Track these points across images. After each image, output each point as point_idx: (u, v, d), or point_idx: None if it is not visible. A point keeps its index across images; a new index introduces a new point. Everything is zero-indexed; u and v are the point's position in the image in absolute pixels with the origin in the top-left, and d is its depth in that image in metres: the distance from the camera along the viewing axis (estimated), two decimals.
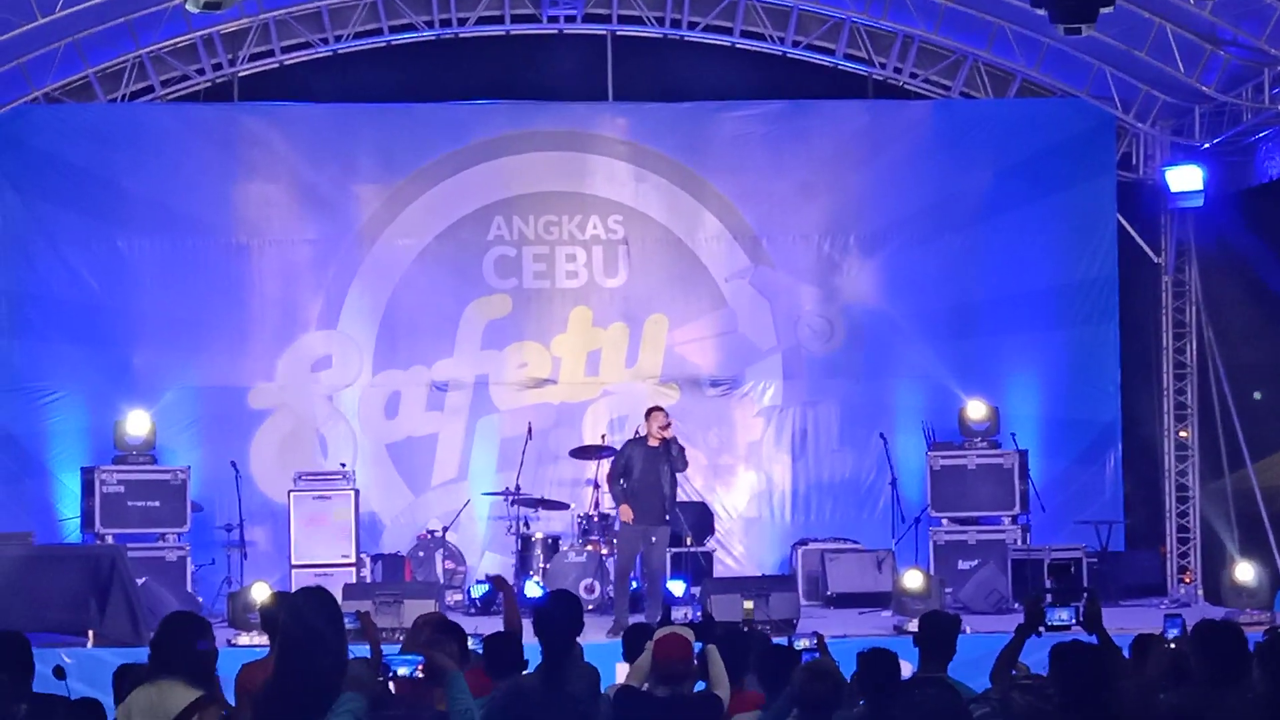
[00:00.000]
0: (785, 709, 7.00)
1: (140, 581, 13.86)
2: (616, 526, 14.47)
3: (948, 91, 17.43)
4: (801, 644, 7.86)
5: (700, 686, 7.52)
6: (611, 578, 14.50)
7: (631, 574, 14.30)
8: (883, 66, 17.35)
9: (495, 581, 8.59)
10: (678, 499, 14.51)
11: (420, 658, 6.07)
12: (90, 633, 12.95)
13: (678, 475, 14.14)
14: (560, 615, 7.11)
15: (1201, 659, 6.64)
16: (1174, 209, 17.19)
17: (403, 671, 6.00)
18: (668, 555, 15.07)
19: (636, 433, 14.59)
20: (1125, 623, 11.63)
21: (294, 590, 8.87)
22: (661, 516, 13.94)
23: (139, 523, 15.57)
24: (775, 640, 8.55)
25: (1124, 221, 17.30)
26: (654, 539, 13.91)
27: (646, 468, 13.89)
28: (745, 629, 9.54)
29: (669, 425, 14.01)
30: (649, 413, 14.16)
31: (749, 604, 10.29)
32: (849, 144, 17.23)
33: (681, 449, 14.09)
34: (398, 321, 16.99)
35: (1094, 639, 6.98)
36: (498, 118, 17.14)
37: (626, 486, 13.94)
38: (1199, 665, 6.66)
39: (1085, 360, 17.09)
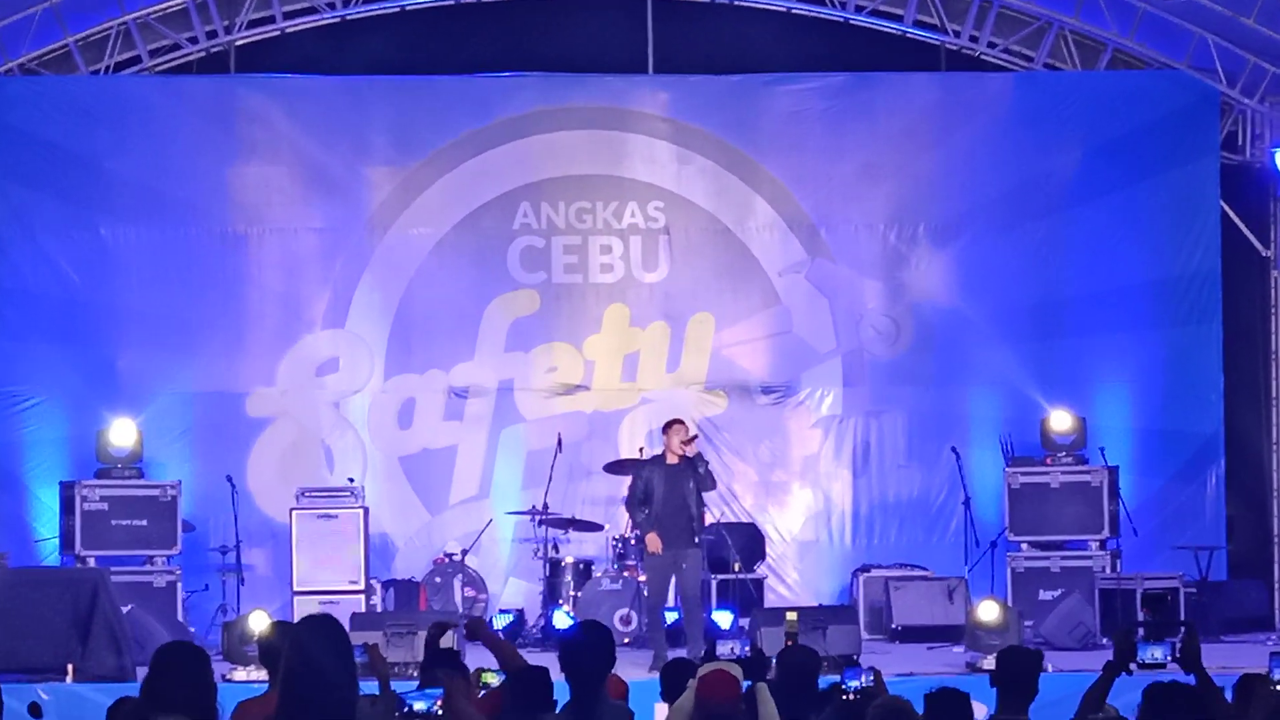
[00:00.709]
0: None
1: (125, 609, 13.92)
2: None
3: (1030, 63, 17.40)
4: (853, 684, 7.86)
5: None
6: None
7: (666, 605, 14.28)
8: (957, 35, 17.34)
9: (469, 629, 8.49)
10: (724, 520, 14.47)
11: (439, 691, 6.11)
12: (70, 666, 12.99)
13: (713, 494, 14.11)
14: (589, 648, 7.11)
15: None
16: None
17: (419, 706, 6.03)
18: (712, 581, 15.05)
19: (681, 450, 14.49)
20: (1227, 661, 11.62)
21: (297, 619, 8.90)
22: (691, 539, 13.92)
23: (124, 544, 15.66)
24: (825, 679, 8.55)
25: (1228, 209, 17.24)
26: (684, 565, 13.87)
27: (669, 489, 13.87)
28: (788, 643, 9.51)
29: (692, 440, 13.99)
30: (667, 426, 14.15)
31: (792, 614, 10.19)
32: (918, 122, 17.22)
33: (708, 465, 14.08)
34: (412, 320, 17.04)
35: (1191, 679, 6.96)
36: (525, 92, 17.18)
37: (649, 513, 13.94)
38: None
39: (1184, 365, 17.04)
